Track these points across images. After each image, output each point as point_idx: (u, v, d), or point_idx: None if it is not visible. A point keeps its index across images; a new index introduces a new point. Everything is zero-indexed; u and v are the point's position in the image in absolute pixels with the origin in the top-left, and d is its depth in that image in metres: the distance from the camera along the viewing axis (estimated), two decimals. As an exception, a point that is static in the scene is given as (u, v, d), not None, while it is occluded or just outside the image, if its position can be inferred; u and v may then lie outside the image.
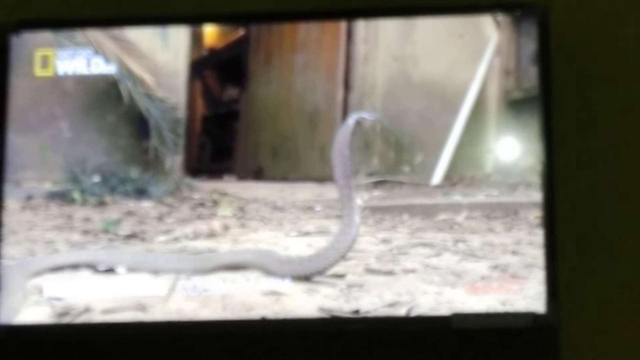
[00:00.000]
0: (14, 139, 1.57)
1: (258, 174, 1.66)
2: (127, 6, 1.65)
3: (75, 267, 1.54)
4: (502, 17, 1.57)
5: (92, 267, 1.55)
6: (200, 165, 1.63)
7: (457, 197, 1.56)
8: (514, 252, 1.50)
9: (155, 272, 1.53)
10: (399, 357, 1.53)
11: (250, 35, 1.65)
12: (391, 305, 1.47)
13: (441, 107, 1.59)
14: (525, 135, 1.53)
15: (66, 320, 1.49)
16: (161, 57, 1.61)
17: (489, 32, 1.58)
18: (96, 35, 1.60)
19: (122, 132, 1.60)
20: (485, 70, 1.58)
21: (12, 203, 1.57)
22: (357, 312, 1.47)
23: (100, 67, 1.60)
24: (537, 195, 1.50)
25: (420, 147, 1.58)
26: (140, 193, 1.59)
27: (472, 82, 1.57)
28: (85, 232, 1.57)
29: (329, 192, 1.55)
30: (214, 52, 1.66)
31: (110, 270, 1.54)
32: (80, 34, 1.60)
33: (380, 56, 1.61)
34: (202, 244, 1.56)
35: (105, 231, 1.56)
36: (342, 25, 1.62)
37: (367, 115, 1.56)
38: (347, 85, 1.63)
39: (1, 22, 1.60)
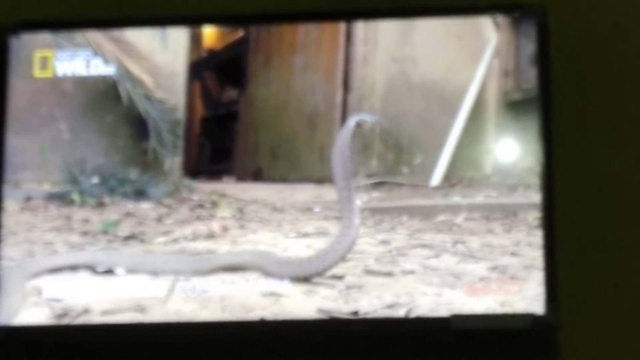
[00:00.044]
0: (13, 140, 1.57)
1: (257, 175, 1.65)
2: (126, 7, 1.65)
3: (74, 268, 1.54)
4: (501, 19, 1.57)
5: (91, 268, 1.55)
6: (199, 166, 1.63)
7: (456, 198, 1.56)
8: (513, 254, 1.50)
9: (154, 273, 1.53)
10: (398, 359, 1.53)
11: (250, 37, 1.65)
12: (390, 306, 1.47)
13: (440, 108, 1.59)
14: (524, 136, 1.53)
15: (65, 321, 1.49)
16: (160, 58, 1.61)
17: (488, 33, 1.59)
18: (95, 36, 1.60)
19: (121, 133, 1.60)
20: (485, 72, 1.58)
21: (11, 204, 1.57)
22: (356, 313, 1.47)
23: (100, 68, 1.60)
24: (536, 197, 1.50)
25: (419, 148, 1.58)
26: (139, 194, 1.59)
27: (471, 83, 1.57)
28: (84, 234, 1.57)
29: (328, 193, 1.55)
30: (213, 53, 1.66)
31: (109, 272, 1.54)
32: (79, 35, 1.60)
33: (380, 57, 1.61)
34: (201, 245, 1.56)
35: (104, 232, 1.56)
36: (342, 26, 1.62)
37: (367, 117, 1.56)
38: (346, 87, 1.63)
39: (0, 23, 1.60)
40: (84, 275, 1.54)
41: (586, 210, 1.55)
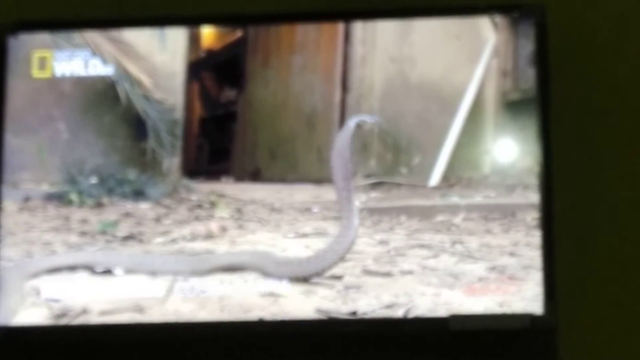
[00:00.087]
0: (12, 141, 1.57)
1: (255, 176, 1.65)
2: (124, 8, 1.65)
3: (72, 268, 1.54)
4: (499, 19, 1.57)
5: (90, 268, 1.54)
6: (197, 166, 1.63)
7: (454, 199, 1.56)
8: (512, 254, 1.50)
9: (153, 273, 1.53)
10: (397, 359, 1.53)
11: (248, 37, 1.65)
12: (389, 306, 1.47)
13: (439, 108, 1.59)
14: (523, 136, 1.53)
15: (64, 321, 1.49)
16: (159, 58, 1.61)
17: (486, 33, 1.59)
18: (94, 36, 1.60)
19: (119, 133, 1.60)
20: (483, 72, 1.58)
21: (9, 204, 1.57)
22: (354, 313, 1.47)
23: (98, 68, 1.60)
24: (534, 197, 1.50)
25: (417, 149, 1.58)
26: (138, 194, 1.59)
27: (470, 84, 1.57)
28: (83, 234, 1.57)
29: (327, 193, 1.55)
30: (211, 54, 1.66)
31: (107, 272, 1.54)
32: (77, 36, 1.60)
33: (378, 57, 1.61)
34: (199, 245, 1.56)
35: (103, 233, 1.56)
36: (340, 26, 1.62)
37: (367, 119, 1.56)
38: (344, 87, 1.63)
39: (-1, 23, 1.60)
40: (82, 276, 1.54)
41: (584, 210, 1.55)
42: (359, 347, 1.53)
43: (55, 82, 1.60)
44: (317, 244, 1.54)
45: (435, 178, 1.57)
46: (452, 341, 1.50)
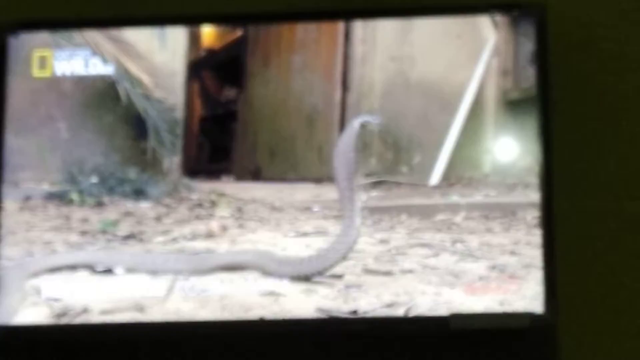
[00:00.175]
0: (12, 140, 1.57)
1: (256, 175, 1.66)
2: (125, 7, 1.65)
3: (73, 267, 1.54)
4: (499, 18, 1.58)
5: (90, 267, 1.54)
6: (198, 165, 1.63)
7: (455, 198, 1.56)
8: (512, 253, 1.50)
9: (154, 272, 1.53)
10: (397, 358, 1.53)
11: (248, 36, 1.65)
12: (389, 305, 1.47)
13: (439, 107, 1.59)
14: (523, 135, 1.53)
15: (64, 321, 1.49)
16: (159, 57, 1.61)
17: (486, 32, 1.59)
18: (94, 35, 1.60)
19: (120, 132, 1.60)
20: (483, 71, 1.58)
21: (10, 204, 1.57)
22: (355, 312, 1.47)
23: (98, 67, 1.60)
24: (535, 196, 1.50)
25: (418, 148, 1.58)
26: (138, 194, 1.59)
27: (470, 83, 1.57)
28: (83, 233, 1.57)
29: (327, 192, 1.56)
30: (211, 53, 1.66)
31: (108, 271, 1.54)
32: (77, 35, 1.60)
33: (378, 57, 1.61)
34: (200, 244, 1.56)
35: (103, 232, 1.56)
36: (340, 25, 1.62)
37: (372, 119, 1.56)
38: (345, 86, 1.63)
39: (-1, 22, 1.60)
40: (83, 275, 1.54)
41: (585, 209, 1.55)
42: (359, 346, 1.53)
43: (55, 82, 1.60)
44: (318, 243, 1.54)
45: (435, 177, 1.57)
46: (452, 340, 1.50)
